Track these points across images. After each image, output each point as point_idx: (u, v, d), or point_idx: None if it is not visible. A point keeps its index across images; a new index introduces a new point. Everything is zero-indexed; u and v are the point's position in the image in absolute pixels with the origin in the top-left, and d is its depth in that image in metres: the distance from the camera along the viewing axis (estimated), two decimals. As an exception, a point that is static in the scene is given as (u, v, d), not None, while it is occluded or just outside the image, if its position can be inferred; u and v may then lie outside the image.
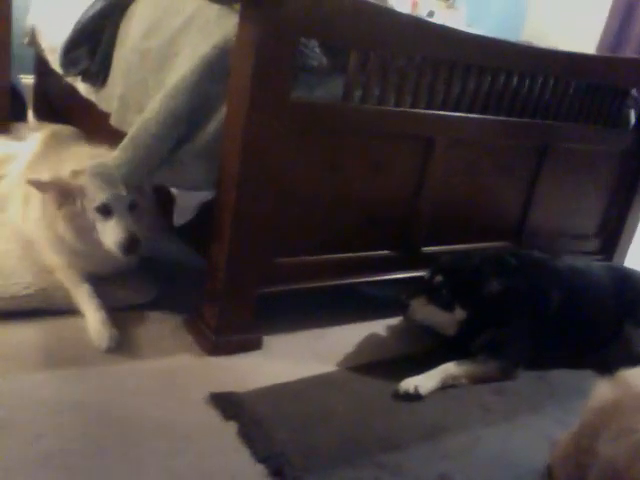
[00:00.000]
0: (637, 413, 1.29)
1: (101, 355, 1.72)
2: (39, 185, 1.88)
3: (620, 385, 1.40)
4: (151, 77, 2.00)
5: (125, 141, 1.79)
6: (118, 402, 1.56)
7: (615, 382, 1.41)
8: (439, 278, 2.00)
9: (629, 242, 2.94)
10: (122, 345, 1.78)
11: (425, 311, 2.01)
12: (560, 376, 2.03)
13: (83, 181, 1.85)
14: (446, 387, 1.84)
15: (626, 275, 2.26)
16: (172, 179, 1.85)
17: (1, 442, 1.35)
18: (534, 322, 2.02)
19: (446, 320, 2.01)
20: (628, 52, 4.65)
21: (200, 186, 1.81)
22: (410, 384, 1.77)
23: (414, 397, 1.76)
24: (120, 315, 1.89)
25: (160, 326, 1.91)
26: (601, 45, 4.85)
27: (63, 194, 1.86)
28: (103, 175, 1.82)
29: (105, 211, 1.84)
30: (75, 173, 1.87)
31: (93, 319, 1.81)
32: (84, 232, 1.88)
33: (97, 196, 1.83)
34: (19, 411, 1.45)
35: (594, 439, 1.33)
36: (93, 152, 2.03)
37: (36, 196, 1.97)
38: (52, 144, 2.31)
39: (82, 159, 1.95)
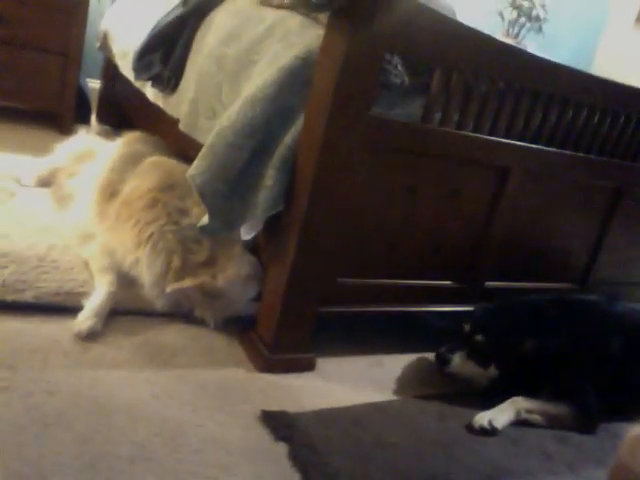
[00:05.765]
0: None
1: (156, 361, 1.68)
2: (181, 291, 1.86)
3: None
4: (226, 83, 1.98)
5: (204, 150, 1.75)
6: (169, 410, 1.50)
7: None
8: (480, 337, 1.92)
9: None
10: (177, 351, 1.73)
11: (465, 366, 1.94)
12: (626, 428, 1.90)
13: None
14: (519, 421, 1.79)
15: None
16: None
17: (49, 440, 1.30)
18: (596, 371, 1.92)
19: (478, 375, 1.94)
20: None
21: (277, 204, 1.72)
22: (484, 418, 1.72)
23: (489, 432, 1.70)
24: (176, 321, 1.87)
25: (214, 336, 1.86)
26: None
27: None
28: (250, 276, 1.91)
29: None
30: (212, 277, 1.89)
31: (89, 303, 1.75)
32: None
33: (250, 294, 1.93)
34: (70, 408, 1.40)
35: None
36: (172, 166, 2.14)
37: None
38: (133, 151, 2.30)
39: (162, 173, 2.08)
